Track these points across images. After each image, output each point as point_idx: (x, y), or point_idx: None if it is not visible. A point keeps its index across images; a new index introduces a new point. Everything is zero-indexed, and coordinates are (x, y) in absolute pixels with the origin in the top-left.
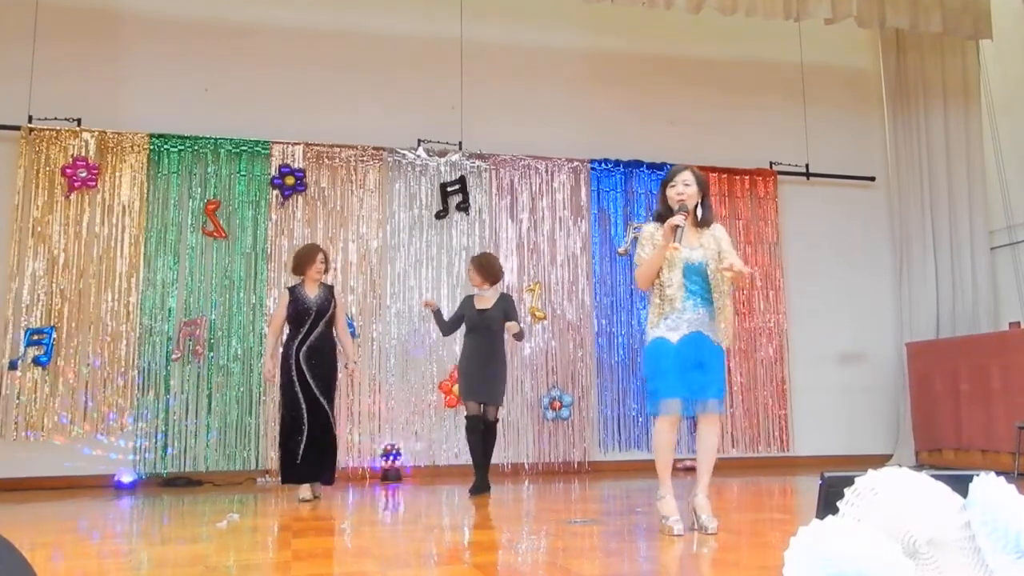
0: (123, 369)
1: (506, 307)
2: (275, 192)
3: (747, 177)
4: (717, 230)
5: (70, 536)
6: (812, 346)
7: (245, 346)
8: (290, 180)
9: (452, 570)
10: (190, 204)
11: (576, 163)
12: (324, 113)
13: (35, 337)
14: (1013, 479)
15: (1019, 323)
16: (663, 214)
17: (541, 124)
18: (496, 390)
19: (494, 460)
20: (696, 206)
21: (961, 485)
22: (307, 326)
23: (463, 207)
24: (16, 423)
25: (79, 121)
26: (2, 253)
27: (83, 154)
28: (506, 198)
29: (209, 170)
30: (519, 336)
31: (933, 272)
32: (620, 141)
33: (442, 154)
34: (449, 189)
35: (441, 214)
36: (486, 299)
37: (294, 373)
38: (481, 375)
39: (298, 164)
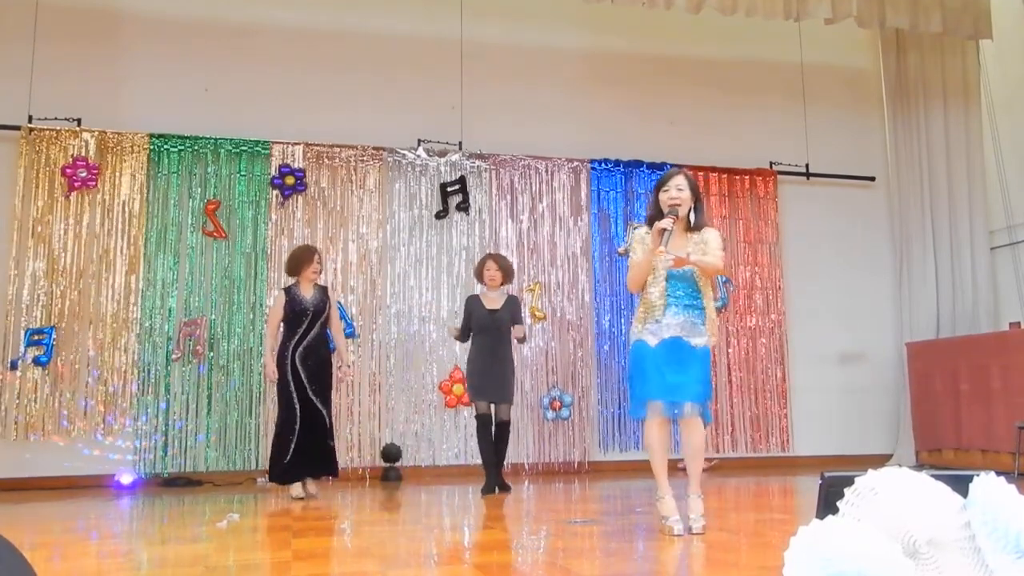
0: (123, 369)
1: (513, 309)
2: (275, 192)
3: (747, 177)
4: (708, 234)
5: (70, 536)
6: (812, 346)
7: (245, 346)
8: (290, 180)
9: (452, 570)
10: (190, 204)
11: (576, 163)
12: (324, 113)
13: (35, 337)
14: (1013, 479)
15: (1019, 323)
16: (655, 218)
17: (541, 124)
18: (506, 389)
19: None
20: (689, 211)
21: (961, 485)
22: (303, 327)
23: (463, 207)
24: (16, 423)
25: (79, 121)
26: (2, 253)
27: (83, 154)
28: (506, 198)
29: (209, 170)
30: (522, 340)
31: (933, 272)
32: (620, 141)
33: (442, 154)
34: (449, 189)
35: (441, 214)
36: (494, 299)
37: (289, 373)
38: (491, 375)
39: (298, 164)
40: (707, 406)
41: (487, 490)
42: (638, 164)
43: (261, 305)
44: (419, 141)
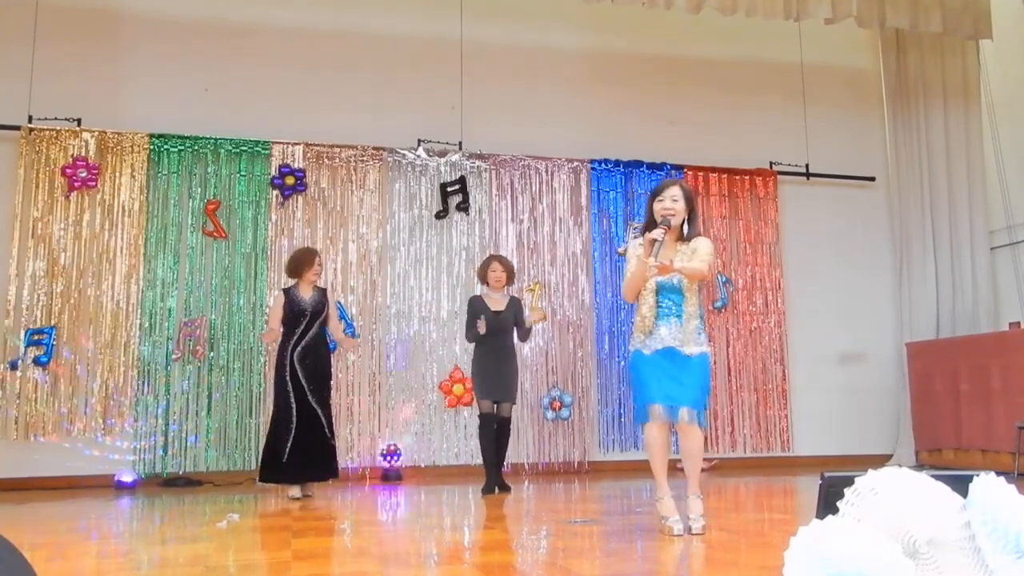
0: (123, 369)
1: (517, 310)
2: (275, 192)
3: (747, 177)
4: (698, 242)
5: (70, 536)
6: (812, 346)
7: (245, 346)
8: (290, 180)
9: (452, 570)
10: (190, 204)
11: (576, 163)
12: (324, 113)
13: (35, 337)
14: (1013, 479)
15: (1019, 323)
16: (650, 227)
17: (541, 124)
18: (511, 388)
19: None
20: (682, 222)
21: (961, 485)
22: (302, 328)
23: (463, 207)
24: (16, 423)
25: (79, 121)
26: (2, 253)
27: (83, 154)
28: (506, 198)
29: (209, 170)
30: (525, 337)
31: (933, 272)
32: (620, 141)
33: (442, 154)
34: (449, 189)
35: (441, 214)
36: (497, 301)
37: (287, 374)
38: (496, 374)
39: (298, 164)
40: (703, 413)
41: (487, 490)
42: (638, 164)
43: (261, 305)
44: (419, 141)
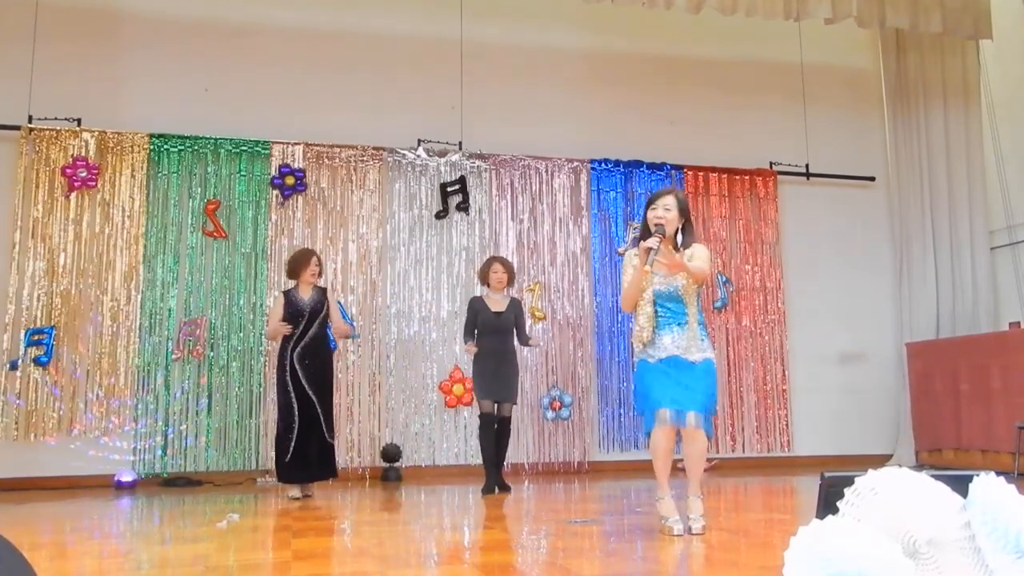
0: (123, 369)
1: (517, 311)
2: (275, 192)
3: (747, 177)
4: (695, 249)
5: (70, 536)
6: (812, 346)
7: (245, 346)
8: (290, 180)
9: (452, 570)
10: (190, 204)
11: (576, 163)
12: (324, 113)
13: (35, 337)
14: (1013, 479)
15: (1019, 323)
16: (645, 236)
17: (541, 124)
18: (512, 388)
19: None
20: (676, 231)
21: (961, 485)
22: (301, 328)
23: (463, 207)
24: (17, 423)
25: (79, 121)
26: (2, 253)
27: (83, 154)
28: (506, 198)
29: (209, 170)
30: (525, 342)
31: (933, 272)
32: (620, 141)
33: (442, 154)
34: (449, 189)
35: (441, 214)
36: (498, 302)
37: (288, 374)
38: (498, 375)
39: (298, 164)
40: (710, 419)
41: (487, 490)
42: (638, 164)
43: (261, 305)
44: (419, 141)
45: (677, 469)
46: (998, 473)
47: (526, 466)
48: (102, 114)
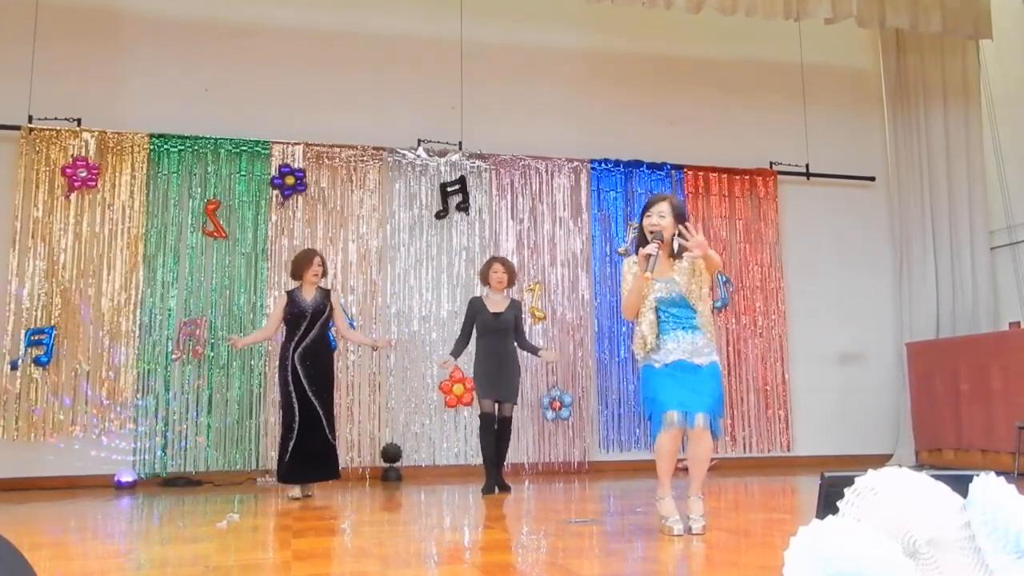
0: (123, 369)
1: (516, 313)
2: (275, 192)
3: (747, 177)
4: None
5: (70, 536)
6: (812, 346)
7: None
8: (290, 180)
9: (452, 570)
10: (190, 204)
11: (576, 163)
12: (324, 113)
13: (35, 337)
14: (1013, 479)
15: (1019, 323)
16: (641, 243)
17: (541, 124)
18: (513, 388)
19: None
20: (673, 237)
21: (961, 485)
22: (302, 329)
23: (463, 207)
24: (16, 423)
25: (79, 121)
26: (2, 253)
27: (83, 154)
28: (506, 198)
29: (209, 170)
30: (523, 345)
31: (933, 272)
32: (620, 141)
33: (442, 154)
34: (449, 189)
35: (441, 214)
36: (498, 302)
37: (289, 375)
38: (499, 375)
39: (298, 164)
40: (718, 421)
41: (487, 490)
42: (638, 164)
43: (261, 305)
44: (419, 141)
45: (679, 469)
46: (998, 473)
47: (526, 466)
48: (102, 114)
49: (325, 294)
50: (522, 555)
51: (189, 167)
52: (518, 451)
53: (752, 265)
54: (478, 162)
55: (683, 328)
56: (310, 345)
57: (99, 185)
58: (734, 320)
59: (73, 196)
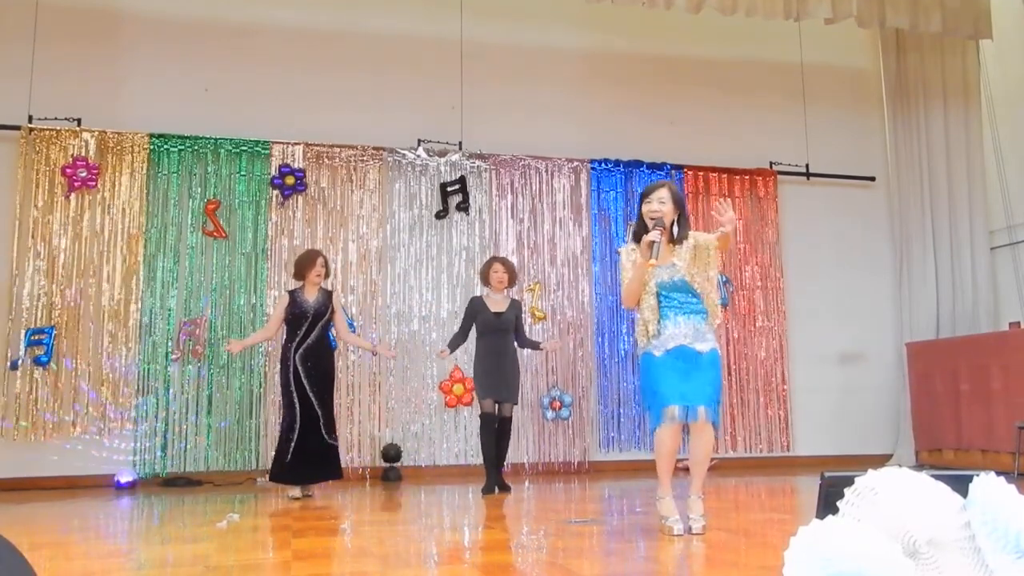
0: (123, 369)
1: (517, 312)
2: (275, 192)
3: (747, 177)
4: (696, 236)
5: (70, 536)
6: (812, 346)
7: None
8: (290, 180)
9: (452, 570)
10: (190, 204)
11: (576, 163)
12: (324, 113)
13: (35, 337)
14: (1013, 479)
15: (1019, 323)
16: (640, 231)
17: (541, 124)
18: (513, 388)
19: None
20: (672, 223)
21: (961, 485)
22: (304, 329)
23: (463, 207)
24: (16, 423)
25: (79, 121)
26: (2, 253)
27: (83, 154)
28: (506, 198)
29: (209, 170)
30: (524, 344)
31: (933, 272)
32: (620, 141)
33: (442, 154)
34: (449, 189)
35: (441, 214)
36: (498, 302)
37: (291, 375)
38: (499, 375)
39: (298, 164)
40: (718, 409)
41: (487, 490)
42: (638, 164)
43: (261, 305)
44: (419, 141)
45: (679, 469)
46: (998, 473)
47: (526, 466)
48: (102, 114)
49: (327, 295)
50: (522, 555)
51: (189, 167)
52: (518, 451)
53: (752, 265)
54: (478, 162)
55: (684, 312)
56: (311, 346)
57: (99, 185)
58: (734, 320)
59: (73, 196)
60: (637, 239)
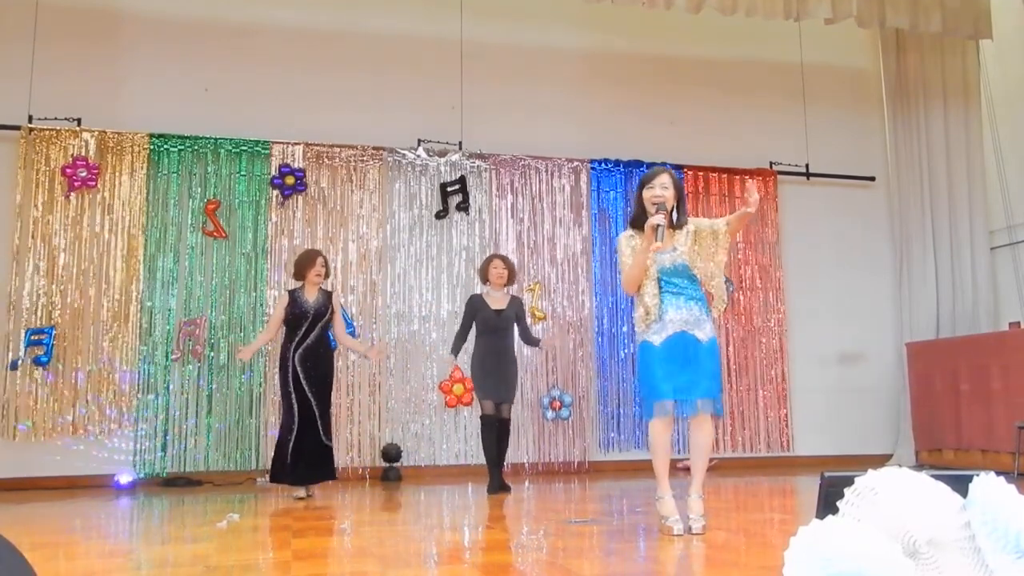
0: (123, 369)
1: (518, 309)
2: (275, 192)
3: (747, 177)
4: (696, 222)
5: (70, 536)
6: (812, 346)
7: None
8: (290, 180)
9: (452, 570)
10: (190, 204)
11: (576, 163)
12: (324, 113)
13: (35, 337)
14: (1013, 479)
15: (1019, 323)
16: (639, 217)
17: (541, 124)
18: (512, 388)
19: None
20: (673, 208)
21: (961, 485)
22: (303, 329)
23: (463, 207)
24: (16, 423)
25: (79, 121)
26: (2, 253)
27: (83, 154)
28: (506, 198)
29: (209, 170)
30: (528, 340)
31: (933, 272)
32: (620, 141)
33: (442, 154)
34: (449, 189)
35: (441, 214)
36: (498, 300)
37: (290, 375)
38: (498, 375)
39: (298, 164)
40: (719, 400)
41: (492, 489)
42: (638, 164)
43: (261, 305)
44: (419, 141)
45: (677, 469)
46: (998, 473)
47: (526, 466)
48: (102, 114)
49: (327, 296)
50: (522, 555)
51: (189, 167)
52: (518, 451)
53: (752, 265)
54: (478, 162)
55: (684, 298)
56: (311, 346)
57: (99, 185)
58: (734, 320)
59: (73, 196)
60: (636, 225)
